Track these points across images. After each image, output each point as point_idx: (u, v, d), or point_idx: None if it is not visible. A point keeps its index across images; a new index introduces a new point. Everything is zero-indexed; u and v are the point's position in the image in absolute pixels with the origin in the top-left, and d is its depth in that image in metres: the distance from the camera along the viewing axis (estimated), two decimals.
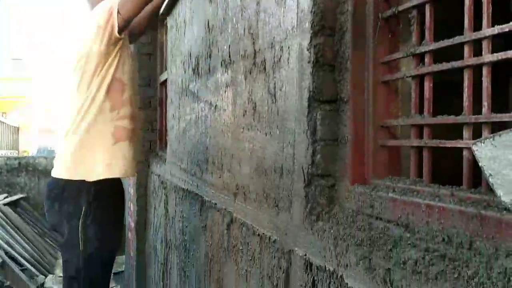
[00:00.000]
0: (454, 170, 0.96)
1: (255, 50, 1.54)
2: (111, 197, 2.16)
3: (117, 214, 2.26)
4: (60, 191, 2.11)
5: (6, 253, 4.59)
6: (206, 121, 2.18)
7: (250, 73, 1.58)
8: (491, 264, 0.68)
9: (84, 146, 2.07)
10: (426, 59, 0.95)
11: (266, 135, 1.45)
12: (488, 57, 0.79)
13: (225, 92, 1.88)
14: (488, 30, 0.79)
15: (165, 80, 3.60)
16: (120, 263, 6.61)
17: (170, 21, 3.23)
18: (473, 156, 0.83)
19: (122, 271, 6.22)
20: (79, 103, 2.06)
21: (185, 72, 2.63)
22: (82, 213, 2.08)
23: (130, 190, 5.10)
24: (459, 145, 0.86)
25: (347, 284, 0.99)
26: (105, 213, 2.13)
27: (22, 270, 4.58)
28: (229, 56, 1.81)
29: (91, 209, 2.08)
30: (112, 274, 6.46)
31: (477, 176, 0.85)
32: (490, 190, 0.79)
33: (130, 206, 4.99)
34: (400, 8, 1.03)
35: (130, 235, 4.78)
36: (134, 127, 2.17)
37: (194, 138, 2.43)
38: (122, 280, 5.94)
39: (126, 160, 2.13)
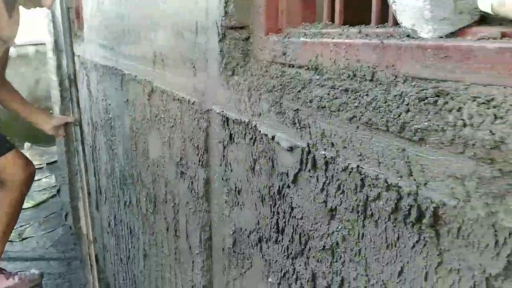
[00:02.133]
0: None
1: None
2: None
3: None
4: None
5: None
6: None
7: None
8: (389, 90, 0.69)
9: None
10: None
11: None
12: None
13: None
14: None
15: None
16: (53, 153, 6.48)
17: None
18: None
19: (56, 161, 6.12)
20: None
21: None
22: None
23: (52, 76, 4.82)
24: None
25: (260, 131, 1.00)
26: None
27: None
28: None
29: None
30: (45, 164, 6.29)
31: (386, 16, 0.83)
32: (396, 24, 0.78)
33: (54, 94, 4.75)
34: None
35: None
36: None
37: (110, 10, 2.25)
38: (56, 169, 5.87)
39: None
